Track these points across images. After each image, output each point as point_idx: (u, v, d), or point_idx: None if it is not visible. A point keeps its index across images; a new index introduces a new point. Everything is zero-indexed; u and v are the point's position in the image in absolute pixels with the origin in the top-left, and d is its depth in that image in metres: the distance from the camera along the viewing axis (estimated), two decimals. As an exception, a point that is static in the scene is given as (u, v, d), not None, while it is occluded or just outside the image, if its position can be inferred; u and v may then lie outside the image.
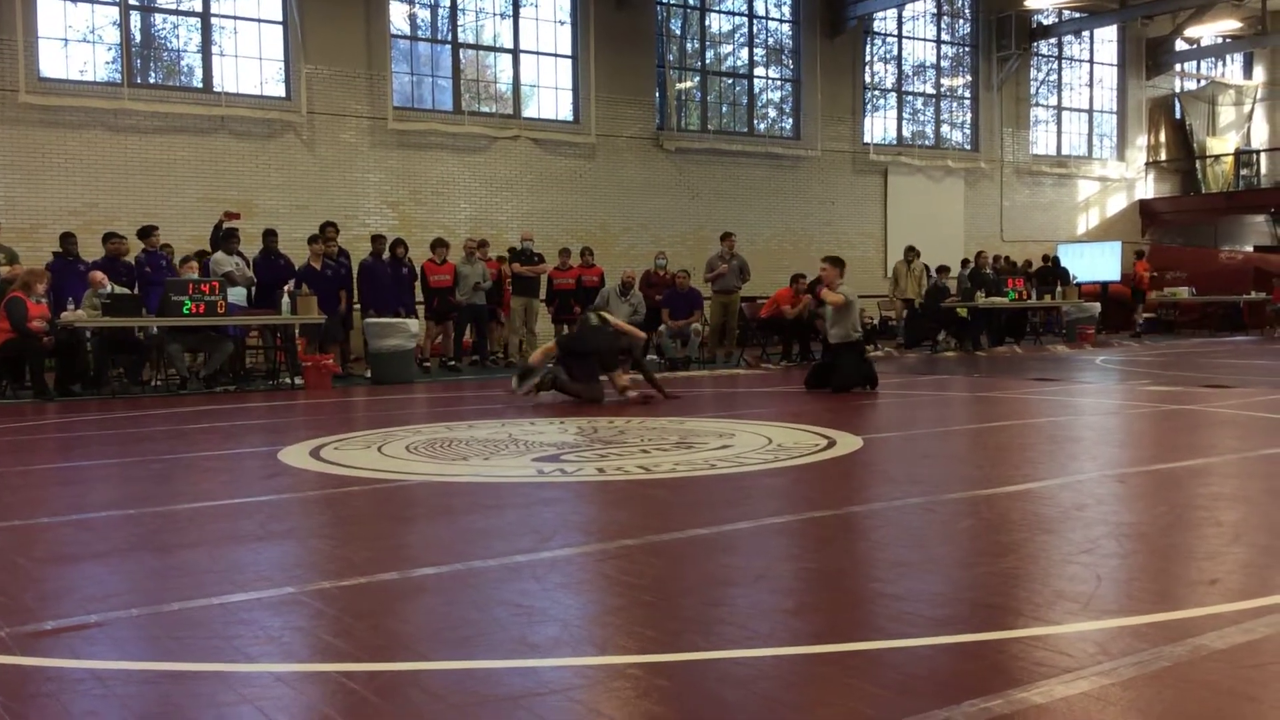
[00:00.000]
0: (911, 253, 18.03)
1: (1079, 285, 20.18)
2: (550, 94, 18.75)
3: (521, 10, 18.33)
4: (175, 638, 3.13)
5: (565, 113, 18.78)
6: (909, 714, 2.41)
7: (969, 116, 23.55)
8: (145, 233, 12.64)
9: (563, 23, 18.69)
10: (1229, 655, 2.82)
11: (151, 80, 15.67)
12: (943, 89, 23.31)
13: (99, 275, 11.44)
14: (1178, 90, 26.83)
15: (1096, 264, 22.21)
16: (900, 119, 22.77)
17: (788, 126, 21.36)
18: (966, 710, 2.43)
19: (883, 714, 2.42)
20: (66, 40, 14.83)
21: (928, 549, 4.20)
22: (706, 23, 20.51)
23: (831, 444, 6.77)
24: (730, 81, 21.02)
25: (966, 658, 2.86)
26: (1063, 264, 20.91)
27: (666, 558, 4.00)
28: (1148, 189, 26.14)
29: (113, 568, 4.01)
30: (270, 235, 13.14)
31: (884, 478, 6.00)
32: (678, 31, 20.28)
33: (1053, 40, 24.33)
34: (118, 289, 11.47)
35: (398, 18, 17.39)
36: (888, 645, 2.95)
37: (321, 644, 3.10)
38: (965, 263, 18.81)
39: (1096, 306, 19.92)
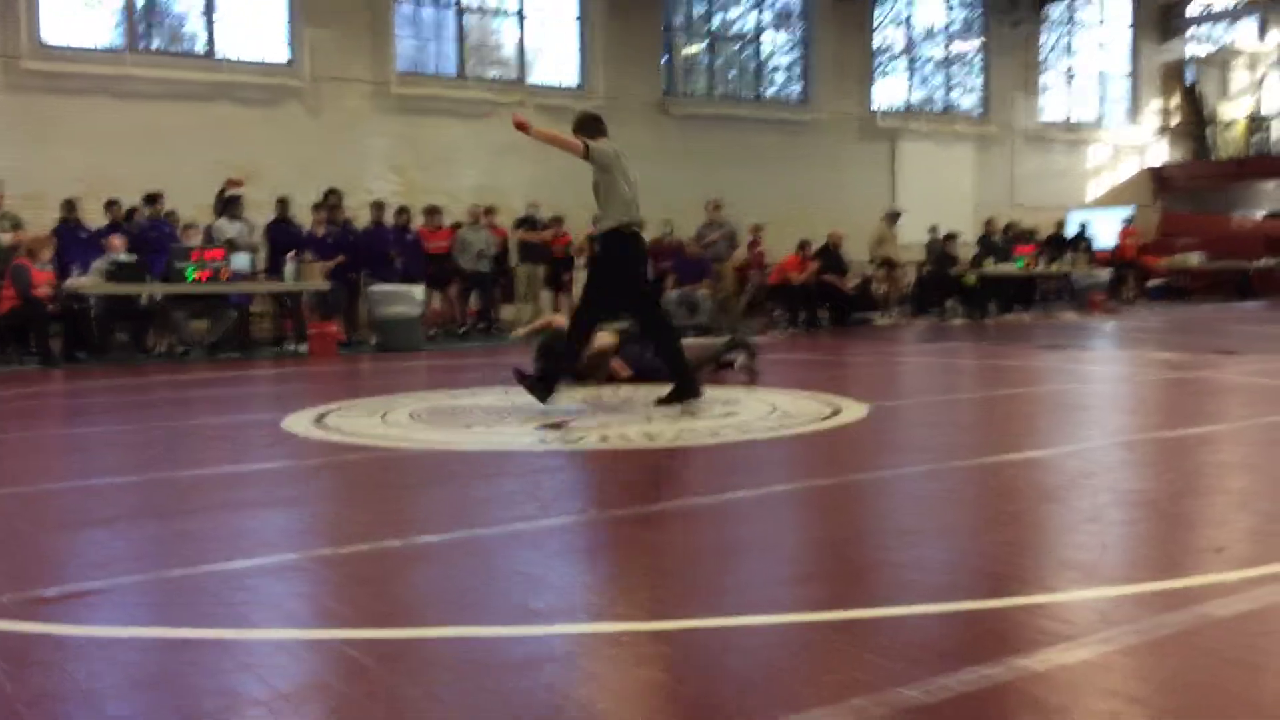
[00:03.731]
0: (893, 217, 17.78)
1: (1092, 252, 20.03)
2: (555, 59, 18.61)
3: (527, -26, 18.16)
4: (177, 604, 3.13)
5: (571, 78, 18.64)
6: (910, 681, 2.39)
7: (979, 81, 23.34)
8: (151, 199, 12.65)
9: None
10: (1234, 623, 2.80)
11: (154, 46, 15.58)
12: (953, 53, 23.09)
13: (117, 240, 11.45)
14: (1190, 55, 26.55)
15: (1107, 230, 22.04)
16: (910, 84, 22.57)
17: (796, 92, 21.19)
18: (967, 677, 2.42)
19: (884, 681, 2.40)
20: (69, 6, 14.73)
21: (932, 517, 4.19)
22: (714, -14, 20.31)
23: (837, 411, 6.74)
24: (738, 46, 20.84)
25: (968, 625, 2.85)
26: (1086, 234, 20.58)
27: (669, 526, 3.99)
28: (1160, 155, 25.93)
29: (116, 534, 4.01)
30: (283, 203, 13.17)
31: (889, 445, 5.98)
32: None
33: (1065, 3, 24.07)
34: (125, 255, 11.48)
35: (401, -19, 17.24)
36: (890, 613, 2.94)
37: (323, 610, 3.10)
38: (984, 237, 18.55)
39: (1107, 273, 19.80)
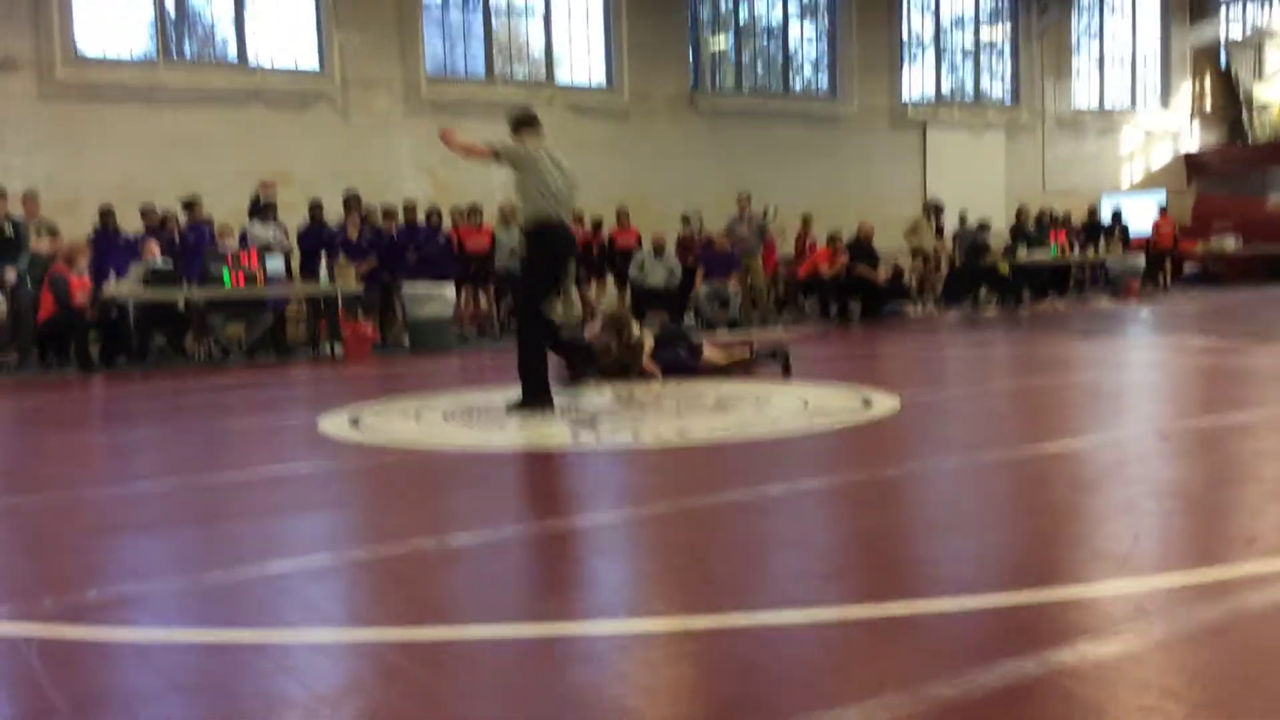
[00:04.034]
0: (934, 209, 17.68)
1: (1126, 238, 19.84)
2: (583, 57, 18.63)
3: (553, -28, 18.19)
4: (215, 607, 3.18)
5: (598, 76, 18.67)
6: (944, 677, 2.40)
7: (1009, 68, 23.15)
8: (189, 205, 12.83)
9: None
10: (1268, 614, 2.78)
11: (187, 54, 15.74)
12: (982, 41, 22.91)
13: (154, 246, 11.61)
14: (1223, 38, 26.19)
15: (1141, 216, 21.80)
16: (939, 73, 22.41)
17: (824, 84, 21.11)
18: (1000, 672, 2.42)
19: (917, 677, 2.41)
20: (102, 16, 14.91)
21: (964, 511, 4.18)
22: (740, -21, 20.26)
23: (869, 405, 6.73)
24: (765, 40, 20.77)
25: (1001, 619, 2.84)
26: (1122, 220, 20.39)
27: (700, 522, 4.00)
28: (1193, 139, 25.62)
29: (154, 538, 4.07)
30: (316, 206, 13.32)
31: (921, 439, 5.96)
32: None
33: (1094, -13, 23.83)
34: (162, 261, 11.62)
35: (429, -16, 17.31)
36: (923, 608, 2.94)
37: (359, 612, 3.13)
38: (1017, 225, 18.40)
39: (1141, 259, 19.60)
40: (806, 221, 16.95)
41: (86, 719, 2.35)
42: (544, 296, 7.04)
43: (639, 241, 15.44)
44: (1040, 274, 17.61)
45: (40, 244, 11.62)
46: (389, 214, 13.62)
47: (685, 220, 15.87)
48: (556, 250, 7.03)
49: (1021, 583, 3.13)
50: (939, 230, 17.71)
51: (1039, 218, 18.83)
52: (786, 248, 16.73)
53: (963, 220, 17.91)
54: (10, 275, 11.12)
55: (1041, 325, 13.53)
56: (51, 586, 3.35)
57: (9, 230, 11.39)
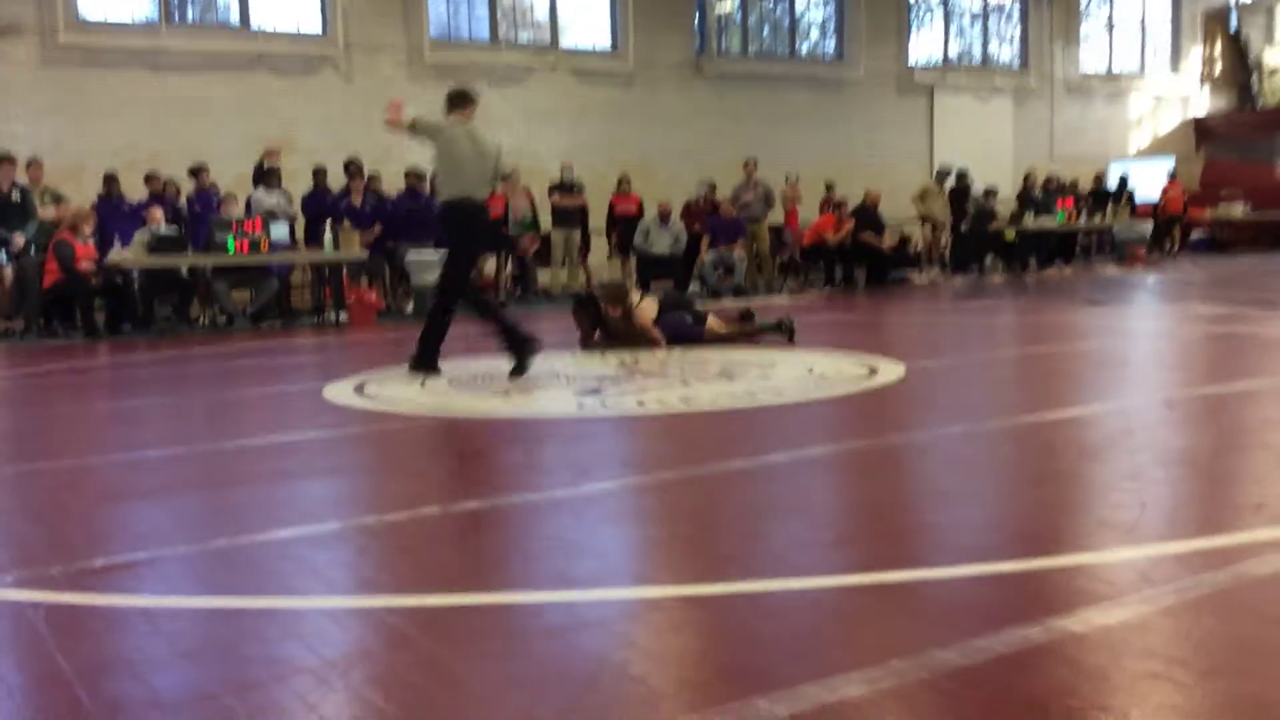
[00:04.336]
0: (945, 175, 17.55)
1: (1133, 205, 19.73)
2: (588, 21, 18.49)
3: (557, -66, 18.02)
4: (222, 574, 3.19)
5: (603, 41, 18.53)
6: (947, 643, 2.40)
7: (1018, 32, 22.95)
8: (195, 171, 12.81)
9: (599, -54, 18.37)
10: (1273, 581, 2.78)
11: (189, 19, 15.64)
12: (990, 5, 22.70)
13: (158, 212, 11.61)
14: (1234, 2, 25.93)
15: (1149, 182, 21.69)
16: (946, 37, 22.23)
17: (830, 48, 20.95)
18: (1005, 639, 2.42)
19: (921, 643, 2.41)
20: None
21: (969, 478, 4.18)
22: (746, -58, 20.07)
23: (874, 372, 6.72)
24: (771, 3, 20.60)
25: (1005, 587, 2.85)
26: (1129, 186, 20.28)
27: (705, 490, 4.01)
28: (1202, 104, 25.42)
29: (160, 505, 4.08)
30: (320, 173, 13.27)
31: (926, 406, 5.95)
32: (716, -47, 19.87)
33: (1104, -50, 23.58)
34: (165, 228, 11.61)
35: (432, -54, 17.16)
36: (927, 575, 2.94)
37: (366, 579, 3.15)
38: (1024, 191, 18.26)
39: (1148, 225, 19.50)
40: (830, 187, 16.85)
41: (95, 686, 2.37)
42: (462, 274, 7.21)
43: (640, 209, 15.38)
44: (1047, 240, 17.53)
45: (45, 211, 11.60)
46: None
47: (706, 186, 15.74)
48: (466, 228, 7.17)
49: (1027, 550, 3.13)
50: (963, 194, 17.54)
51: (1046, 184, 18.72)
52: (808, 213, 16.64)
53: (962, 183, 17.74)
54: (19, 242, 11.11)
55: (1048, 292, 13.48)
56: (59, 553, 3.37)
57: (16, 196, 11.37)
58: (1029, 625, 2.50)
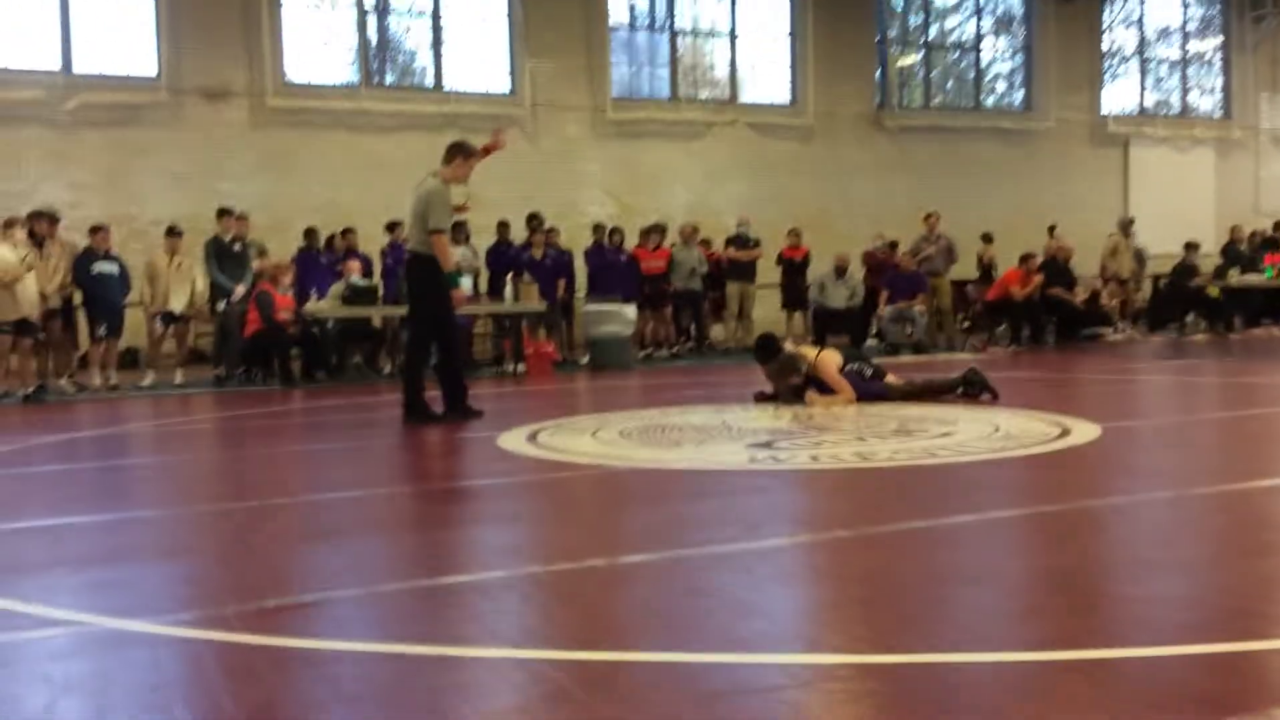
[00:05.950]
0: (1128, 226, 16.66)
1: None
2: (767, 76, 18.54)
3: (739, -8, 18.19)
4: (388, 617, 3.20)
5: (782, 95, 18.53)
6: (1152, 732, 2.17)
7: (1220, 82, 21.86)
8: (390, 226, 13.34)
9: (780, 1, 18.43)
10: None
11: (387, 81, 16.42)
12: (1190, 53, 21.72)
13: (354, 265, 12.14)
14: None
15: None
16: (1142, 87, 21.36)
17: (1018, 99, 20.40)
18: (1220, 731, 2.18)
19: (1122, 731, 2.19)
20: (309, 46, 15.71)
21: (1174, 548, 3.85)
22: (930, -5, 19.82)
23: (1065, 433, 6.36)
24: (956, 55, 20.24)
25: (1220, 670, 2.57)
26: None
27: (882, 551, 3.82)
28: None
29: (336, 547, 4.15)
30: (503, 226, 13.67)
31: (1124, 469, 5.57)
32: (899, 7, 19.68)
33: (1315, -7, 22.26)
34: (360, 280, 12.08)
35: (616, 9, 17.56)
36: (1129, 654, 2.69)
37: (529, 630, 3.09)
38: (1229, 246, 17.16)
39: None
40: (987, 240, 16.34)
41: (259, 725, 2.37)
42: (425, 323, 7.69)
43: (806, 258, 15.18)
44: (1254, 298, 16.45)
45: (254, 263, 12.24)
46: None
47: (880, 242, 15.45)
48: (439, 281, 7.60)
49: (1242, 630, 2.83)
50: (1136, 252, 16.71)
51: (1252, 238, 17.64)
52: (965, 270, 16.10)
53: (1126, 233, 16.68)
54: (239, 291, 11.71)
55: (1255, 353, 12.62)
56: (236, 593, 3.44)
57: (238, 248, 12.00)
58: (1249, 716, 2.24)
